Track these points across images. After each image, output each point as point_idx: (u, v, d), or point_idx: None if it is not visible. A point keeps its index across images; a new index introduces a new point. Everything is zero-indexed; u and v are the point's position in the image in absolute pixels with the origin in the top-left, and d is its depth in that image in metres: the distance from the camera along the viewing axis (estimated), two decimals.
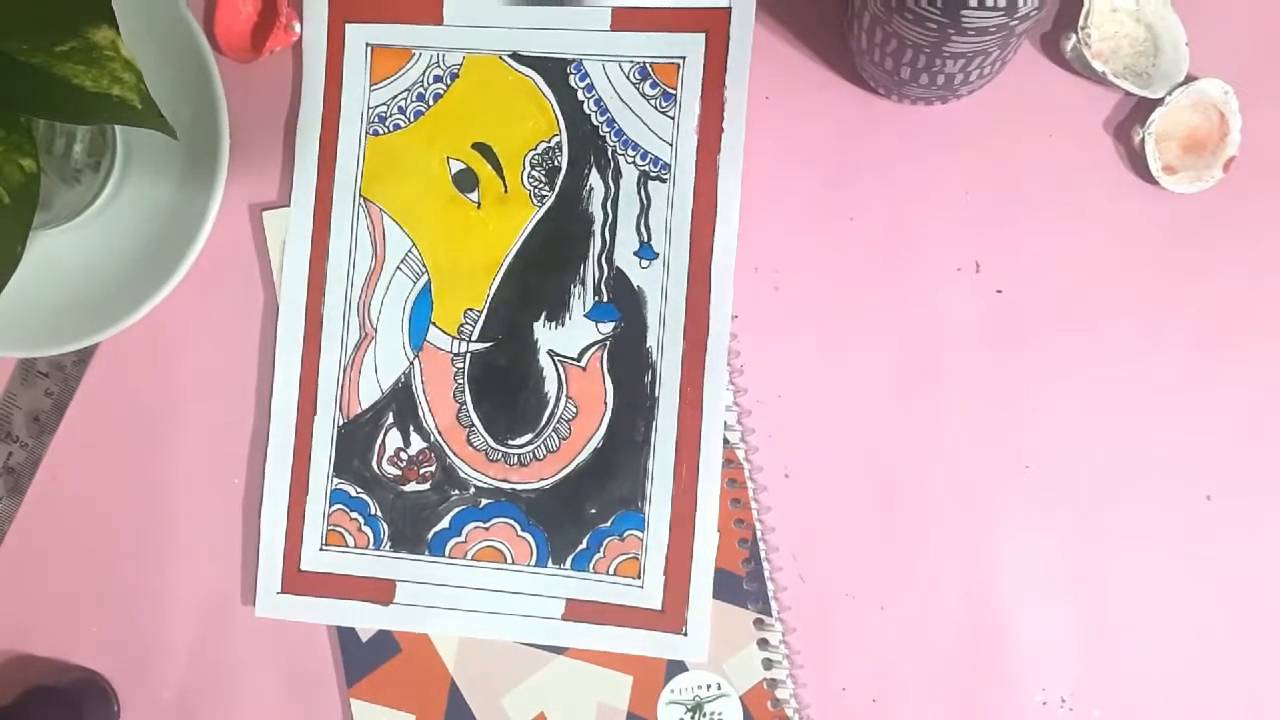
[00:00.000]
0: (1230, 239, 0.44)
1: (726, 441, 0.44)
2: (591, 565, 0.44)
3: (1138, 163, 0.44)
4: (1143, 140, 0.43)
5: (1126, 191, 0.44)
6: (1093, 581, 0.44)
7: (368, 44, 0.46)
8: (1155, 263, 0.44)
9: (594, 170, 0.45)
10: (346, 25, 0.46)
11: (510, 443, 0.45)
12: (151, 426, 0.47)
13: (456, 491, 0.45)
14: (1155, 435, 0.44)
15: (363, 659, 0.45)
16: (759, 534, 0.44)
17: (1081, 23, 0.42)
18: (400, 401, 0.45)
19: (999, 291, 0.44)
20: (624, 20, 0.44)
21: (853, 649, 0.44)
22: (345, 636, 0.45)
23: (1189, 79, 0.43)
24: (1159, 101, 0.43)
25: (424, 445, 0.45)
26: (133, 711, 0.47)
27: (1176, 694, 0.43)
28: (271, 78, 0.46)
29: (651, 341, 0.44)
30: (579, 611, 0.44)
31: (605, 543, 0.44)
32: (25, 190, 0.35)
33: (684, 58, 0.44)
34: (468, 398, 0.45)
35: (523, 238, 0.45)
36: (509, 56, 0.45)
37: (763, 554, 0.44)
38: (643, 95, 0.44)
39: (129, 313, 0.45)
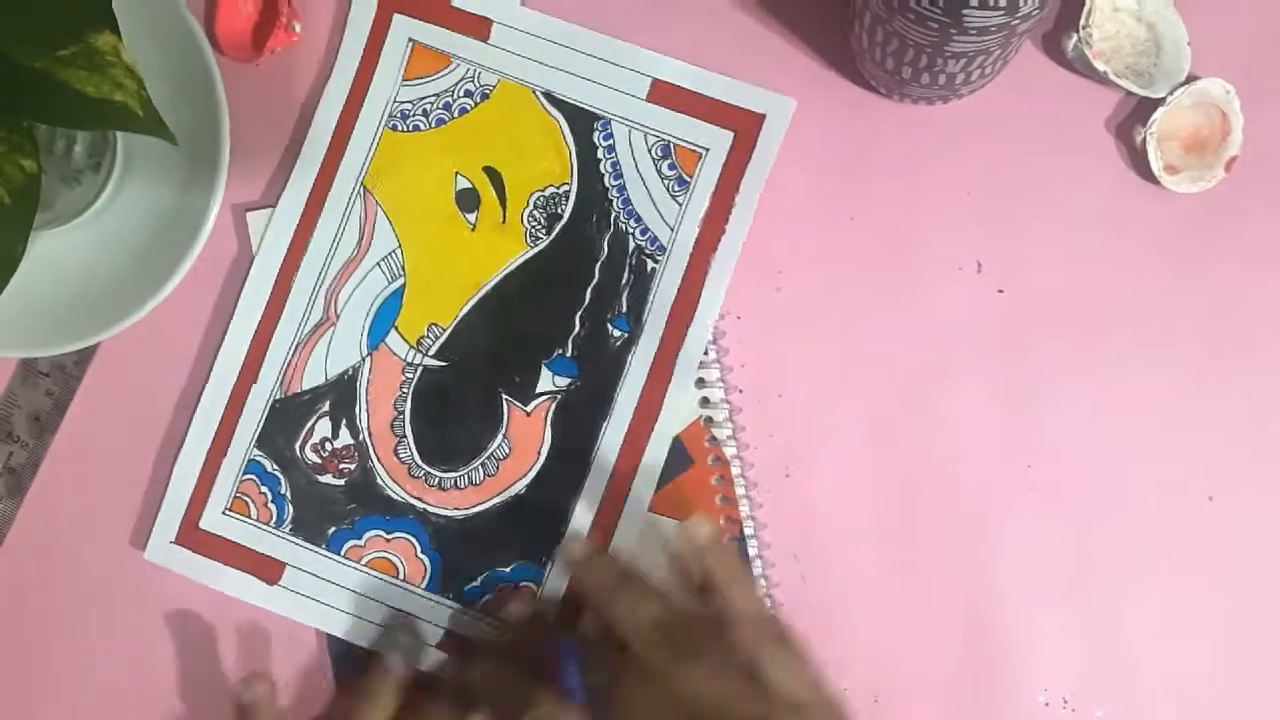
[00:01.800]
0: (1232, 239, 0.44)
1: (714, 439, 0.44)
2: (480, 604, 0.45)
3: (1139, 162, 0.44)
4: (1144, 140, 0.43)
5: (1128, 191, 0.44)
6: (1095, 581, 0.44)
7: (410, 39, 0.46)
8: (1157, 262, 0.44)
9: (594, 228, 0.45)
10: (395, 14, 0.46)
11: (435, 464, 0.45)
12: (151, 426, 0.46)
13: (369, 496, 0.45)
14: (1157, 435, 0.44)
15: (354, 665, 0.45)
16: (746, 531, 0.44)
17: (1083, 22, 0.43)
18: (341, 393, 0.45)
19: (1000, 291, 0.45)
20: (661, 94, 0.45)
21: (854, 648, 0.44)
22: (334, 641, 0.45)
23: (1191, 78, 0.43)
24: (1160, 101, 0.43)
25: (351, 442, 0.45)
26: (131, 711, 0.46)
27: (1179, 694, 0.44)
28: (272, 78, 0.46)
29: (602, 408, 0.45)
30: (458, 646, 0.44)
31: (500, 586, 0.45)
32: (26, 191, 0.35)
33: (708, 150, 0.45)
34: (408, 408, 0.45)
35: (507, 271, 0.45)
36: (542, 94, 0.45)
37: (752, 552, 0.44)
38: (659, 173, 0.45)
39: (129, 313, 0.44)
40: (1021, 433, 0.44)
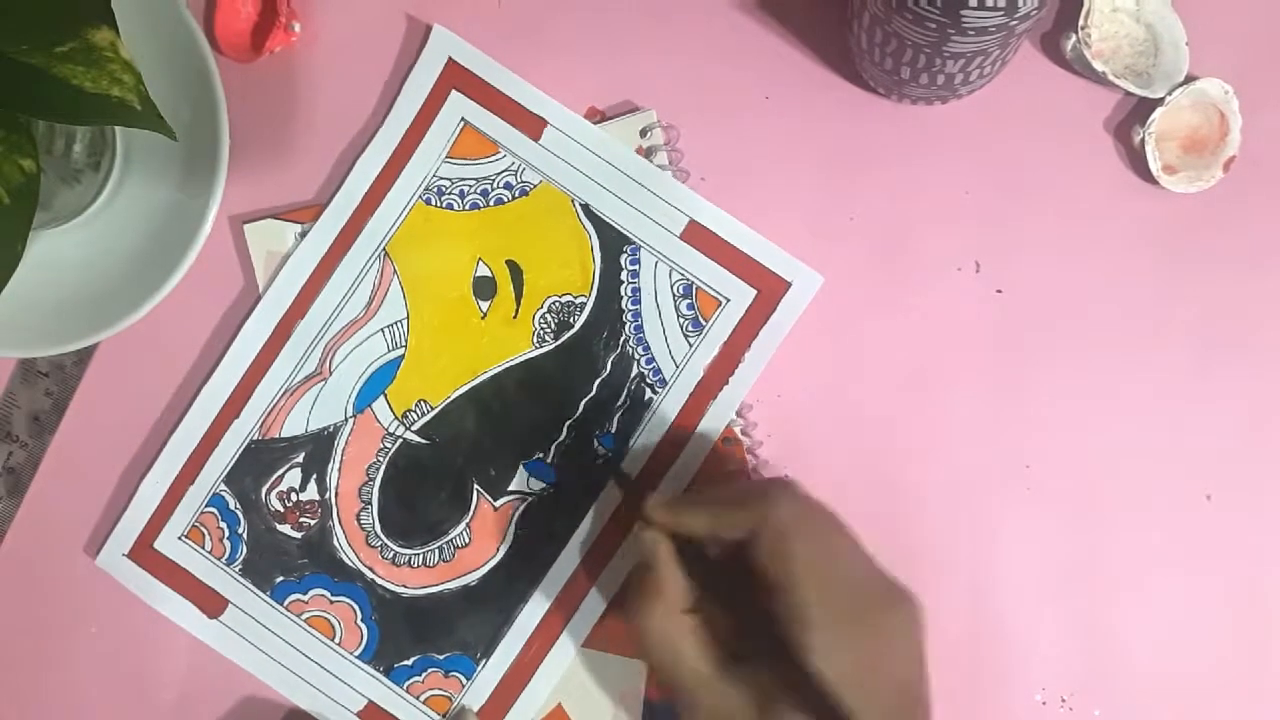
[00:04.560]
0: (1230, 239, 0.44)
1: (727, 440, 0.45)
2: (407, 684, 0.45)
3: (1138, 162, 0.44)
4: (1143, 140, 0.43)
5: (1126, 191, 0.44)
6: (1093, 580, 0.44)
7: (463, 119, 0.45)
8: (1155, 262, 0.44)
9: (601, 345, 0.45)
10: (453, 90, 0.45)
11: (393, 538, 0.46)
12: (151, 425, 0.46)
13: (322, 555, 0.46)
14: (1155, 434, 0.44)
15: None
16: None
17: (1081, 22, 0.43)
18: (317, 447, 0.46)
19: (999, 291, 0.45)
20: (695, 235, 0.45)
21: None
22: None
23: (1189, 79, 0.43)
24: (1159, 101, 0.43)
25: (316, 497, 0.46)
26: (137, 714, 0.46)
27: (1176, 693, 0.44)
28: (271, 78, 0.46)
29: (571, 521, 0.45)
30: (375, 717, 0.45)
31: (429, 671, 0.45)
32: (25, 190, 0.34)
33: (729, 300, 0.45)
34: (379, 477, 0.46)
35: (507, 365, 0.46)
36: (580, 204, 0.45)
37: None
38: (676, 310, 0.45)
39: (129, 313, 0.44)
40: (1020, 432, 0.45)
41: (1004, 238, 0.45)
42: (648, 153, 0.45)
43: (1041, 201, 0.45)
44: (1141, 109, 0.44)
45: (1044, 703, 0.44)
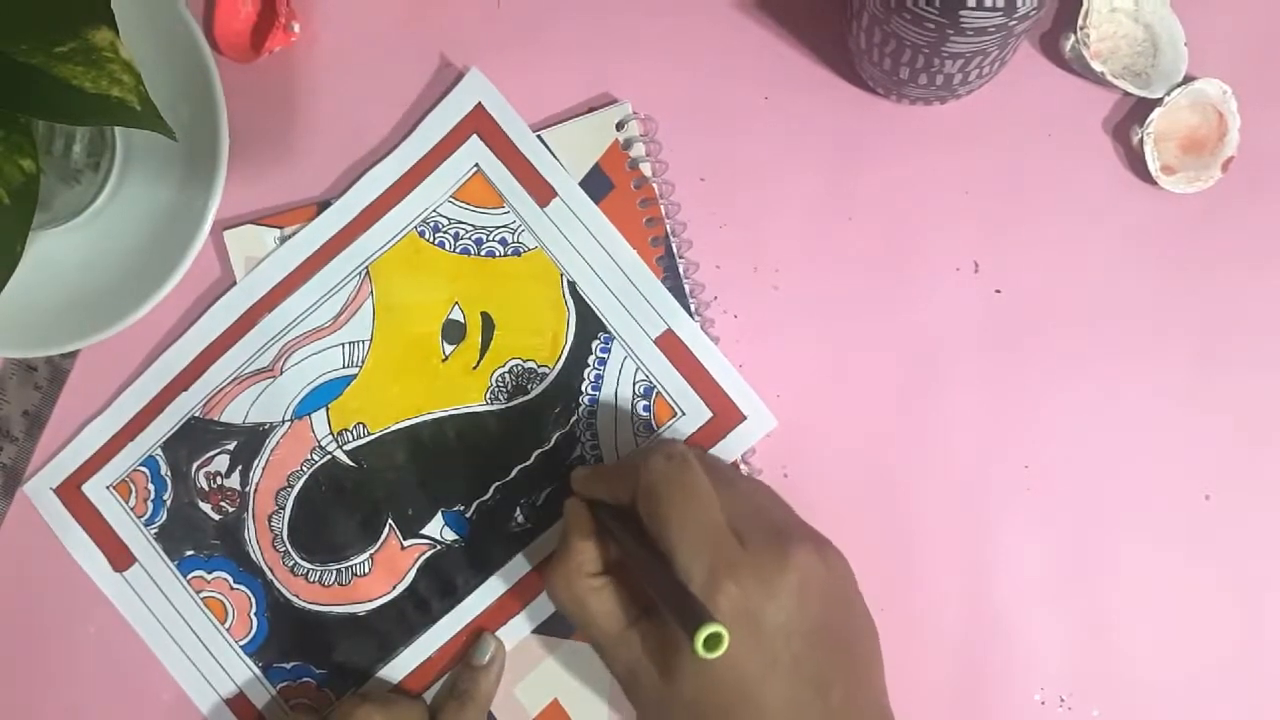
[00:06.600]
0: (1229, 239, 0.44)
1: None
2: (280, 685, 0.46)
3: (1136, 163, 0.44)
4: (1141, 140, 0.43)
5: (1125, 191, 0.44)
6: (1092, 581, 0.44)
7: (476, 164, 0.44)
8: (1154, 263, 0.44)
9: (551, 419, 0.45)
10: (474, 135, 0.44)
11: (296, 548, 0.46)
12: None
13: (233, 542, 0.46)
14: (1154, 434, 0.44)
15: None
16: None
17: (1080, 23, 0.43)
18: (249, 440, 0.46)
19: (998, 291, 0.44)
20: (669, 344, 0.44)
21: None
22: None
23: (1188, 79, 0.43)
24: (1158, 101, 0.43)
25: (238, 487, 0.46)
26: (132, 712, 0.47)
27: (1175, 694, 0.44)
28: (271, 78, 0.45)
29: (471, 581, 0.45)
30: (242, 710, 0.46)
31: (304, 680, 0.46)
32: (25, 190, 0.34)
33: (684, 414, 0.44)
34: (299, 486, 0.46)
35: (453, 412, 0.45)
36: (568, 281, 0.44)
37: None
38: (632, 407, 0.44)
39: (129, 313, 0.44)
40: (1019, 432, 0.44)
41: (1003, 238, 0.44)
42: (624, 145, 0.44)
43: (1040, 202, 0.44)
44: (1140, 109, 0.44)
45: (1043, 702, 0.44)
